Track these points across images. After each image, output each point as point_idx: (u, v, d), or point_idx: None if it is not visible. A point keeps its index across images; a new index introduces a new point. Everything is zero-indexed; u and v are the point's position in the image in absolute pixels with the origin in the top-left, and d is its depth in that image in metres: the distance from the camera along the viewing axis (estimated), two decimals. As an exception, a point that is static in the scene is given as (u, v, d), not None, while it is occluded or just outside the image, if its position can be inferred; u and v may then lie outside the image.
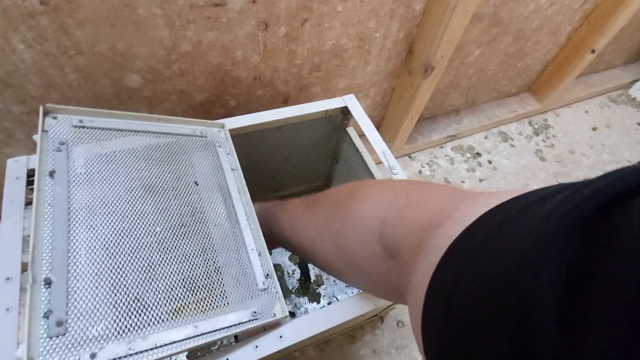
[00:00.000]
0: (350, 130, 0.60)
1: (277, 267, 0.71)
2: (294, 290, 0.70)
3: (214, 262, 0.35)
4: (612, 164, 1.01)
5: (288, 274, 0.71)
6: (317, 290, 0.70)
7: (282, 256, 0.73)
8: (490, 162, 0.96)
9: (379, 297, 0.28)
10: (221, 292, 0.34)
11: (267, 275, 0.37)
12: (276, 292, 0.36)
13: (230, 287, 0.35)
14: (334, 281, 0.71)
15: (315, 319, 0.37)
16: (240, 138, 0.54)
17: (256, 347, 0.34)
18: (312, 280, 0.71)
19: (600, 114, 1.14)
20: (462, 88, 0.90)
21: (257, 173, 0.68)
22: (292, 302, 0.69)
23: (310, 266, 0.72)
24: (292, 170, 0.72)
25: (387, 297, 0.29)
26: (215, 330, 0.31)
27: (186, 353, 0.59)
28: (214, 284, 0.34)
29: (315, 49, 0.58)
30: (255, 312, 0.33)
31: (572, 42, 0.92)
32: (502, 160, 0.97)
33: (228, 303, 0.33)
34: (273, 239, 0.43)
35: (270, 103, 0.64)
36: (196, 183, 0.40)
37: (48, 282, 0.27)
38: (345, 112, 0.58)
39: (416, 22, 0.63)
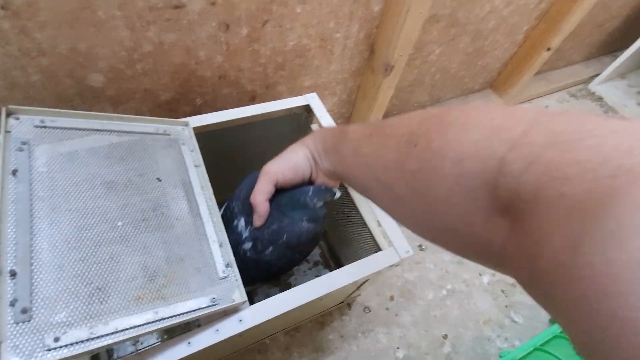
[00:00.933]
0: (314, 127, 0.63)
1: (249, 260, 0.74)
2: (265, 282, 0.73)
3: (176, 253, 0.38)
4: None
5: (260, 266, 0.74)
6: (288, 281, 0.73)
7: (254, 249, 0.75)
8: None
9: (465, 258, 0.23)
10: (182, 280, 0.36)
11: (228, 264, 0.39)
12: (236, 280, 0.39)
13: (191, 276, 0.37)
14: (304, 271, 0.74)
15: (273, 304, 0.40)
16: (207, 135, 0.56)
17: (217, 330, 0.37)
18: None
19: (559, 109, 1.21)
20: (426, 86, 0.95)
21: (227, 169, 0.70)
22: (265, 293, 0.72)
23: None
24: (259, 167, 0.74)
25: (479, 261, 0.22)
26: (175, 315, 0.33)
27: (156, 336, 0.61)
28: (175, 273, 0.37)
29: (278, 49, 0.60)
30: (214, 299, 0.36)
31: (529, 40, 0.97)
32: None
33: (189, 290, 0.36)
34: (334, 175, 0.36)
35: (237, 101, 0.66)
36: (159, 179, 0.42)
37: (13, 274, 0.29)
38: (308, 109, 0.61)
39: (375, 23, 0.66)
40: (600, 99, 1.27)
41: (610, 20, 1.15)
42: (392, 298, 0.76)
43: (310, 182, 0.39)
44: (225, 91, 0.64)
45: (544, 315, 0.78)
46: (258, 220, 0.39)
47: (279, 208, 0.39)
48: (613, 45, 1.32)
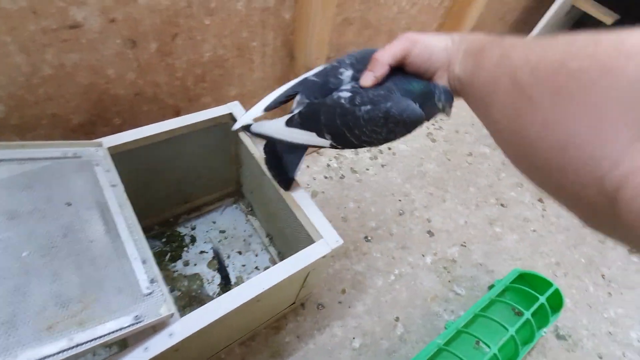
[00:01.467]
0: (242, 135, 0.64)
1: (196, 277, 0.72)
2: (215, 296, 0.72)
3: (92, 276, 0.37)
4: (490, 137, 1.18)
5: (207, 280, 0.73)
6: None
7: (200, 265, 0.74)
8: (389, 148, 1.07)
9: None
10: (101, 303, 0.35)
11: (152, 280, 0.39)
12: (162, 294, 0.38)
13: (112, 297, 0.36)
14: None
15: (205, 312, 0.39)
16: (129, 154, 0.55)
17: (146, 348, 0.36)
18: (232, 283, 0.74)
19: (477, 96, 1.33)
20: (354, 84, 0.99)
21: (159, 187, 0.68)
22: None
23: (230, 268, 0.75)
24: (198, 180, 0.74)
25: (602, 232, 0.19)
26: (93, 339, 0.32)
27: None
28: (92, 296, 0.35)
29: (194, 61, 0.61)
30: (137, 316, 0.35)
31: (440, 36, 1.06)
32: (400, 146, 1.08)
33: (109, 312, 0.35)
34: (458, 84, 0.32)
35: (160, 117, 0.65)
36: (69, 204, 0.40)
37: None
38: (234, 118, 0.62)
39: (290, 30, 0.68)
40: (511, 83, 1.42)
41: (509, 12, 1.29)
42: (343, 291, 0.78)
43: (429, 78, 0.34)
44: (146, 108, 0.62)
45: (483, 283, 0.84)
46: (368, 80, 0.34)
47: (397, 86, 0.34)
48: (518, 34, 1.48)
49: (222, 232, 0.79)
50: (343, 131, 0.36)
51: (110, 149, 0.51)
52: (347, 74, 0.36)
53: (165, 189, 0.70)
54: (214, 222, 0.80)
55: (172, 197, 0.74)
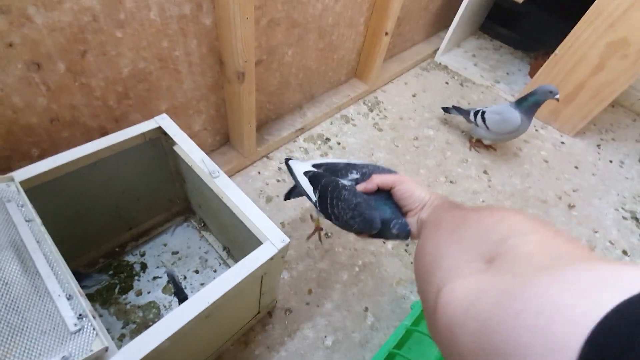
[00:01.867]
0: (177, 147, 0.61)
1: (151, 305, 0.68)
2: (175, 321, 0.68)
3: (10, 322, 0.33)
4: (432, 119, 1.24)
5: (164, 306, 0.69)
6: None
7: (155, 291, 0.70)
8: (339, 143, 1.08)
9: None
10: (23, 349, 0.32)
11: (80, 315, 0.36)
12: (93, 329, 0.35)
13: (35, 340, 0.33)
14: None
15: (147, 338, 0.37)
16: (51, 184, 0.51)
17: (82, 389, 0.33)
18: (193, 304, 0.70)
19: (416, 83, 1.38)
20: (294, 86, 0.99)
21: (94, 216, 0.63)
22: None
23: (188, 290, 0.71)
24: (139, 203, 0.70)
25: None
26: (12, 392, 0.29)
27: None
28: (12, 344, 0.32)
29: (113, 78, 0.57)
30: (65, 357, 0.32)
31: (370, 29, 1.09)
32: (348, 140, 1.10)
33: (33, 357, 0.31)
34: (420, 225, 0.41)
35: (85, 141, 0.60)
36: (-27, 248, 0.36)
37: None
38: (164, 132, 0.59)
39: (214, 36, 0.67)
40: (445, 67, 1.49)
41: (432, 2, 1.36)
42: (310, 291, 0.77)
43: (407, 211, 0.44)
44: (66, 134, 0.58)
45: (443, 260, 0.87)
46: (360, 187, 0.47)
47: (376, 201, 0.46)
48: (443, 22, 1.56)
49: (175, 253, 0.75)
50: (327, 197, 0.50)
51: (24, 182, 0.47)
52: (353, 175, 0.51)
53: (102, 218, 0.65)
54: (165, 245, 0.76)
55: (113, 225, 0.69)
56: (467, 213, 0.30)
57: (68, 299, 0.36)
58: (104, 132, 0.63)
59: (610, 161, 1.25)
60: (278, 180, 0.95)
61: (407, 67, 1.40)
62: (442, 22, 1.54)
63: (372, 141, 1.11)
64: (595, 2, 1.04)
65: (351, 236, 0.87)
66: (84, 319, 0.35)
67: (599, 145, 1.30)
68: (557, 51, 1.16)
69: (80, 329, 0.34)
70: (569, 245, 0.21)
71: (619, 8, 1.01)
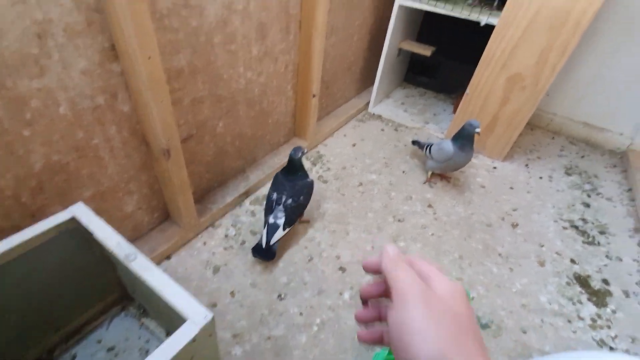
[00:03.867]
0: (95, 230, 0.59)
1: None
2: None
3: None
4: (374, 164, 1.30)
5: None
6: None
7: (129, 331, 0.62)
8: (285, 201, 1.09)
9: None
10: None
11: None
12: None
13: None
14: None
15: None
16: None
17: None
18: None
19: (355, 133, 1.48)
20: (232, 153, 1.03)
21: (11, 320, 0.58)
22: None
23: None
24: (69, 297, 0.65)
25: None
26: None
27: None
28: None
29: (24, 175, 0.57)
30: None
31: (298, 93, 1.19)
32: (294, 196, 1.11)
33: None
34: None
35: (-4, 244, 0.58)
36: None
37: None
38: (79, 222, 0.58)
39: (135, 120, 0.69)
40: (379, 116, 1.62)
41: (353, 63, 1.51)
42: (267, 364, 0.72)
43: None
44: (-27, 240, 0.55)
45: (402, 301, 0.86)
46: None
47: None
48: (369, 79, 1.72)
49: (111, 349, 0.69)
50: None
51: None
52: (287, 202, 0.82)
53: (19, 323, 0.59)
54: (99, 341, 0.69)
55: (34, 329, 0.63)
56: None
57: None
58: (19, 231, 0.60)
59: (540, 177, 1.35)
60: (225, 248, 0.93)
61: (344, 121, 1.50)
62: (368, 79, 1.70)
63: (318, 193, 1.14)
64: (486, 48, 1.21)
65: (306, 293, 0.85)
66: None
67: (527, 165, 1.41)
68: (467, 91, 1.31)
69: None
70: None
71: (505, 50, 1.18)
